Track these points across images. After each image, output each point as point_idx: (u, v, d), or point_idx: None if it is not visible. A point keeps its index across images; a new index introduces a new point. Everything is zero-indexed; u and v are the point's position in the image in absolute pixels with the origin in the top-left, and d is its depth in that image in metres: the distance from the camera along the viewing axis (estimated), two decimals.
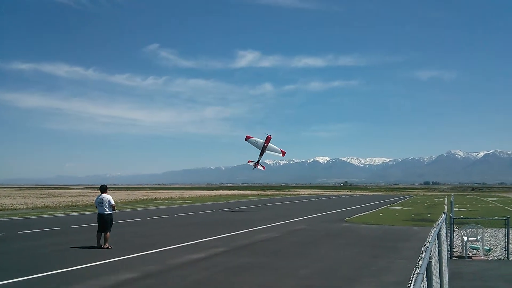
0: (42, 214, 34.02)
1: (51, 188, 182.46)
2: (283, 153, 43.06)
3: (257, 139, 42.02)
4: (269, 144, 41.39)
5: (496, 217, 22.41)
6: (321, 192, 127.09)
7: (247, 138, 42.30)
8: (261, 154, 41.80)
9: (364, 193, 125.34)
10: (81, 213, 35.00)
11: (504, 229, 16.45)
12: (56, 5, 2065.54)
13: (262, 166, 43.46)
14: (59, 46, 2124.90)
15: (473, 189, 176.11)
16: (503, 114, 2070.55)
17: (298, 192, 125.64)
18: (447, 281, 8.79)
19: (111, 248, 15.78)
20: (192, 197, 73.36)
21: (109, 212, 16.34)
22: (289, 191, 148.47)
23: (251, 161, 42.92)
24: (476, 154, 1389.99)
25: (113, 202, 16.60)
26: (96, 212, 16.65)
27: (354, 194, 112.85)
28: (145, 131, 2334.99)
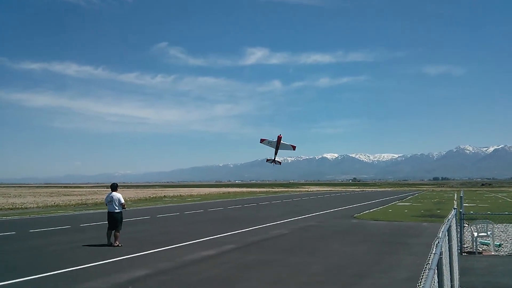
0: (52, 212, 34.29)
1: (61, 187, 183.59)
2: (294, 147, 47.03)
3: (270, 140, 46.13)
4: (281, 142, 45.58)
5: (507, 213, 22.34)
6: (330, 189, 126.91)
7: (261, 141, 46.47)
8: (276, 152, 46.37)
9: (373, 189, 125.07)
10: (91, 211, 35.23)
11: None
12: (65, 4, 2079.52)
13: (279, 162, 48.00)
14: (68, 45, 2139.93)
15: (483, 185, 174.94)
16: None
17: (306, 189, 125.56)
18: (457, 276, 8.79)
19: (121, 246, 15.88)
20: (200, 195, 73.55)
21: (119, 210, 16.45)
22: (297, 188, 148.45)
23: (269, 159, 47.91)
24: (486, 149, 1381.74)
25: (123, 201, 16.70)
26: (106, 210, 16.78)
27: (363, 190, 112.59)
28: (153, 129, 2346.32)
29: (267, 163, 48.90)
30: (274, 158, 47.15)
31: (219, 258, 13.91)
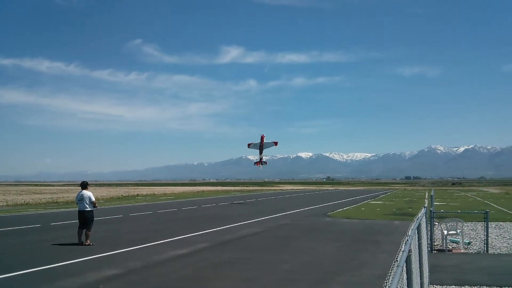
0: (22, 211, 33.59)
1: (31, 185, 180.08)
2: (276, 144, 47.97)
3: (255, 143, 47.13)
4: (265, 141, 46.53)
5: (476, 211, 22.71)
6: (304, 188, 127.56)
7: (248, 146, 47.67)
8: (260, 152, 47.02)
9: (347, 188, 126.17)
10: (62, 210, 34.63)
11: (483, 222, 16.66)
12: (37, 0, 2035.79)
13: (265, 162, 48.56)
14: (40, 41, 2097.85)
15: (453, 184, 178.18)
16: (483, 110, 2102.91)
17: (281, 188, 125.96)
18: (427, 273, 8.91)
19: (92, 245, 15.65)
20: (174, 193, 73.04)
21: (90, 209, 16.18)
22: (272, 186, 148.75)
23: (257, 163, 48.66)
24: (456, 149, 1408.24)
25: (93, 199, 16.43)
26: (77, 209, 16.50)
27: (336, 189, 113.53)
28: (127, 127, 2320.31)
29: (254, 165, 49.29)
30: (261, 159, 47.48)
31: (192, 257, 13.83)
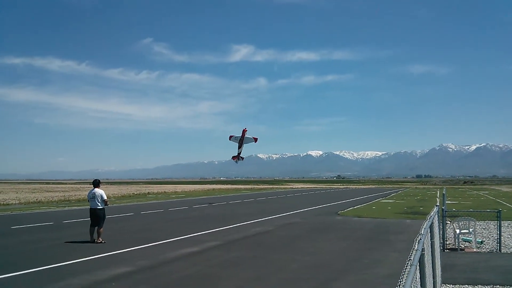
0: (34, 209, 33.86)
1: (43, 183, 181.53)
2: (255, 140, 45.23)
3: (236, 136, 44.41)
4: (245, 136, 43.86)
5: (488, 210, 22.55)
6: (314, 186, 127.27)
7: (230, 138, 44.79)
8: (239, 147, 44.37)
9: (357, 186, 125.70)
10: (74, 207, 34.86)
11: (496, 221, 16.51)
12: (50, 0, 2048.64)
13: (242, 158, 45.72)
14: (52, 41, 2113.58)
15: (465, 182, 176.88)
16: (494, 108, 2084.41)
17: (291, 186, 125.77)
18: (439, 272, 8.85)
19: (104, 242, 15.74)
20: (185, 192, 73.27)
21: (102, 207, 16.27)
22: (282, 185, 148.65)
23: (234, 157, 45.54)
24: (468, 147, 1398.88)
25: (105, 197, 16.51)
26: (89, 207, 16.60)
27: (347, 187, 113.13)
28: (137, 126, 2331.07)
29: (239, 160, 46.05)
30: (239, 154, 45.08)
31: (202, 255, 13.85)
